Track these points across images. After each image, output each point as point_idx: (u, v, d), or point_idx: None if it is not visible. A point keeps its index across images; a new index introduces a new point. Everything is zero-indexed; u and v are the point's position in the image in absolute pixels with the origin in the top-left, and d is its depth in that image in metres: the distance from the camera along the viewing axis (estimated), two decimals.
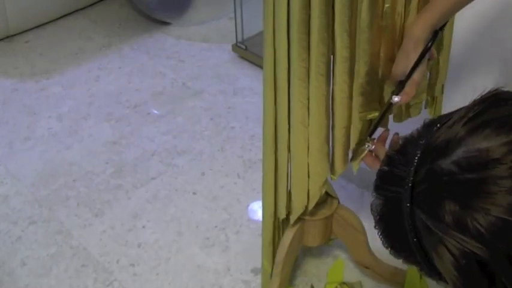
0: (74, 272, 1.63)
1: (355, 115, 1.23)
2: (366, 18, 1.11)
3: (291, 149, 1.26)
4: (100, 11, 2.79)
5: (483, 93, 0.68)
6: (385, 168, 0.71)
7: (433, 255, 0.65)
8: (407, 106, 1.38)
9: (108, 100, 2.26)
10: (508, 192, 0.60)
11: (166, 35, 2.63)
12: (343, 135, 1.23)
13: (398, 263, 1.54)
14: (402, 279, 1.51)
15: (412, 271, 1.48)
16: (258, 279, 1.59)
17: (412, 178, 0.65)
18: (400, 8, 1.16)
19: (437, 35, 1.09)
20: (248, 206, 1.82)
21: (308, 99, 1.19)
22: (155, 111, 2.21)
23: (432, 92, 1.39)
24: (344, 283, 1.57)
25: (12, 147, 2.05)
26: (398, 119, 1.39)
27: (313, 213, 1.39)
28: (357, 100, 1.21)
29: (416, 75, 1.10)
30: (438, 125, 0.68)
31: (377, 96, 1.26)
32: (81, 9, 2.77)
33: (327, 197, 1.42)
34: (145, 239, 1.72)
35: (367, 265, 1.55)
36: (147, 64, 2.45)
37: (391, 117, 1.32)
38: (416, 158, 0.66)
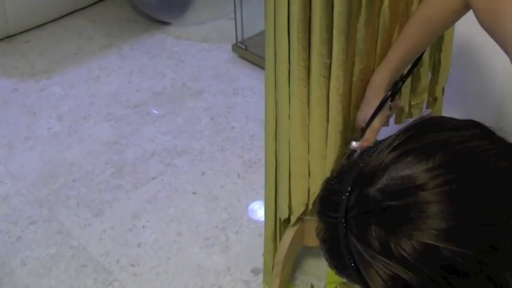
0: (74, 272, 1.63)
1: (351, 115, 1.23)
2: (363, 18, 1.11)
3: (291, 147, 1.26)
4: (100, 11, 2.79)
5: (411, 121, 0.71)
6: (324, 194, 0.75)
7: (367, 277, 0.67)
8: (409, 106, 1.38)
9: (108, 100, 2.25)
10: (430, 217, 0.62)
11: (166, 35, 2.63)
12: (338, 138, 1.24)
13: None
14: None
15: None
16: (258, 279, 1.59)
17: (345, 204, 0.68)
18: (398, 8, 1.16)
19: (397, 86, 1.13)
20: (248, 206, 1.82)
21: (308, 98, 1.19)
22: (155, 111, 2.21)
23: (433, 92, 1.39)
24: (344, 283, 1.57)
25: (12, 147, 2.05)
26: (399, 119, 1.39)
27: (313, 212, 1.39)
28: (352, 98, 1.21)
29: (376, 123, 1.14)
30: (369, 152, 0.71)
31: None
32: (81, 9, 2.77)
33: None
34: (145, 239, 1.72)
35: None
36: (147, 64, 2.45)
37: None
38: (349, 186, 0.69)
